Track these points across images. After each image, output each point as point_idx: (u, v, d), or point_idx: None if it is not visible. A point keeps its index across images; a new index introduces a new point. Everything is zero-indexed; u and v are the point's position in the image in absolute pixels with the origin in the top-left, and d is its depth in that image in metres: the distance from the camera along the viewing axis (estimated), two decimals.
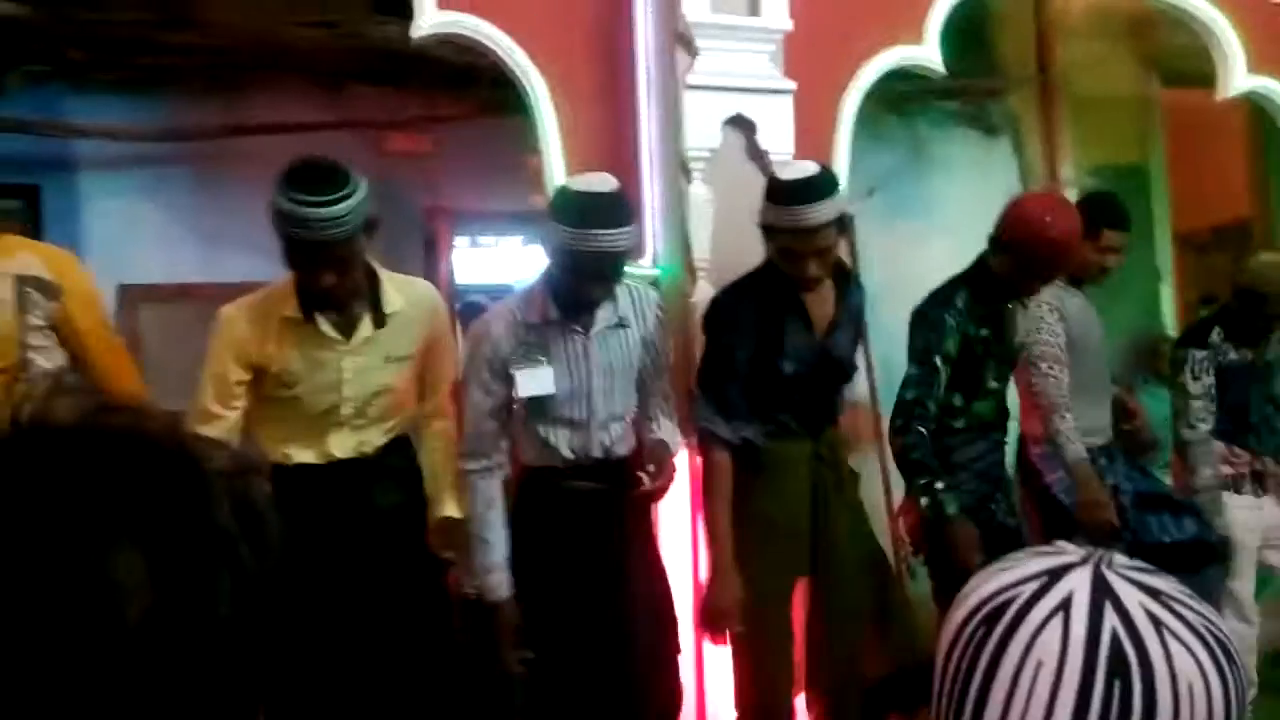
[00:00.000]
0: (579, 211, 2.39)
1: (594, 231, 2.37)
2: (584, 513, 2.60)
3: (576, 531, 2.59)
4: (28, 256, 2.37)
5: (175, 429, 0.56)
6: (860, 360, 3.13)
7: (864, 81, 3.44)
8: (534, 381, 2.50)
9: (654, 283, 3.30)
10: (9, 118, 4.17)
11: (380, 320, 2.50)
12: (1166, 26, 4.39)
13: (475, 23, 3.19)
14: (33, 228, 4.40)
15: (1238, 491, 3.51)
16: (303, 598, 2.58)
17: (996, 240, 2.97)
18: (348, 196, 2.26)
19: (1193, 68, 4.33)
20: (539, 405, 2.57)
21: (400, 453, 2.66)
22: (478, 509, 2.53)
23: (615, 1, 3.34)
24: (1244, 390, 3.55)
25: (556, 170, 3.26)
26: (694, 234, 3.17)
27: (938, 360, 2.89)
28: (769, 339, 2.65)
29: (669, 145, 3.25)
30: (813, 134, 3.33)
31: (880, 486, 3.53)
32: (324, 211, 2.22)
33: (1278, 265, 3.66)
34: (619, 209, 2.43)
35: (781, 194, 2.56)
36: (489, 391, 2.54)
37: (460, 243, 5.13)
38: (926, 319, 2.96)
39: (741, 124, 3.22)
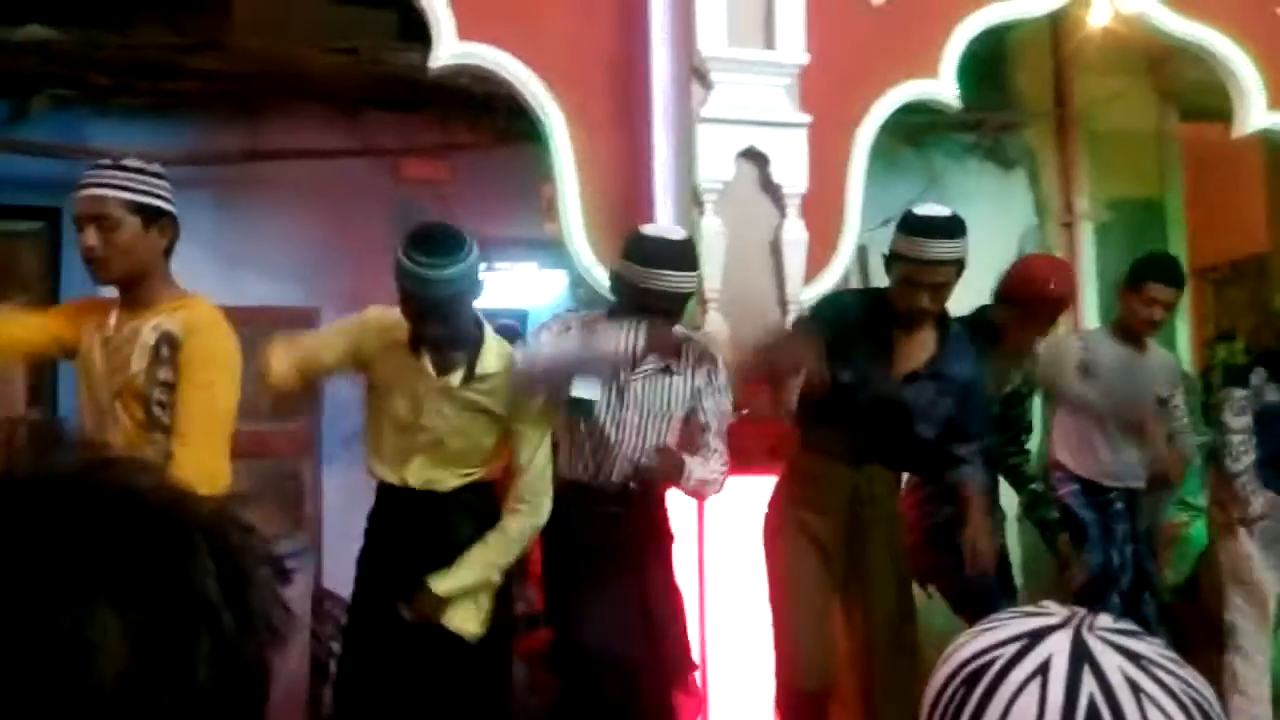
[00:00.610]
0: (650, 252, 2.60)
1: (664, 272, 2.57)
2: (599, 531, 2.71)
3: (597, 551, 2.70)
4: (180, 314, 2.43)
5: (166, 487, 0.56)
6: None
7: (879, 115, 3.46)
8: (583, 383, 2.61)
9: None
10: (33, 141, 4.22)
11: (470, 376, 2.63)
12: (1185, 61, 4.39)
13: (494, 54, 3.23)
14: (52, 250, 4.46)
15: (1259, 532, 3.51)
16: (371, 612, 2.59)
17: (1001, 294, 3.21)
18: (462, 261, 2.45)
19: (1211, 103, 4.33)
20: (577, 412, 2.66)
21: (478, 493, 2.73)
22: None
23: (631, 34, 3.37)
24: (1277, 436, 3.55)
25: (570, 199, 3.28)
26: (705, 265, 3.17)
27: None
28: (843, 344, 2.71)
29: (682, 177, 3.27)
30: (826, 167, 3.34)
31: None
32: (439, 274, 2.42)
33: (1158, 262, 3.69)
34: (689, 255, 2.66)
35: (916, 226, 2.66)
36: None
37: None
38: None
39: (754, 157, 3.25)
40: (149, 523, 0.54)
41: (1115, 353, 3.45)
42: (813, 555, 2.74)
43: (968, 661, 0.73)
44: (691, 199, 3.21)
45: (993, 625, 0.74)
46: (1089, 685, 0.68)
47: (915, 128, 4.89)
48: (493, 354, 2.64)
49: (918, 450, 2.78)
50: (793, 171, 3.26)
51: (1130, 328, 3.47)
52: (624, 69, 3.37)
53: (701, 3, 3.21)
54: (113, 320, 2.39)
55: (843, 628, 2.82)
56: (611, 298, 2.81)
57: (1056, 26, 5.01)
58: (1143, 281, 3.40)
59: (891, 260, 2.71)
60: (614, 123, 3.35)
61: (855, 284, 4.80)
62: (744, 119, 3.22)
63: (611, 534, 2.71)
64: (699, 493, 2.80)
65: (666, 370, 2.74)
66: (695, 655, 2.85)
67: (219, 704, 0.53)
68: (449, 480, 2.68)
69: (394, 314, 2.63)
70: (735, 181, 3.22)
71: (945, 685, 0.73)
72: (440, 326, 2.52)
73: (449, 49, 3.20)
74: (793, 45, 3.28)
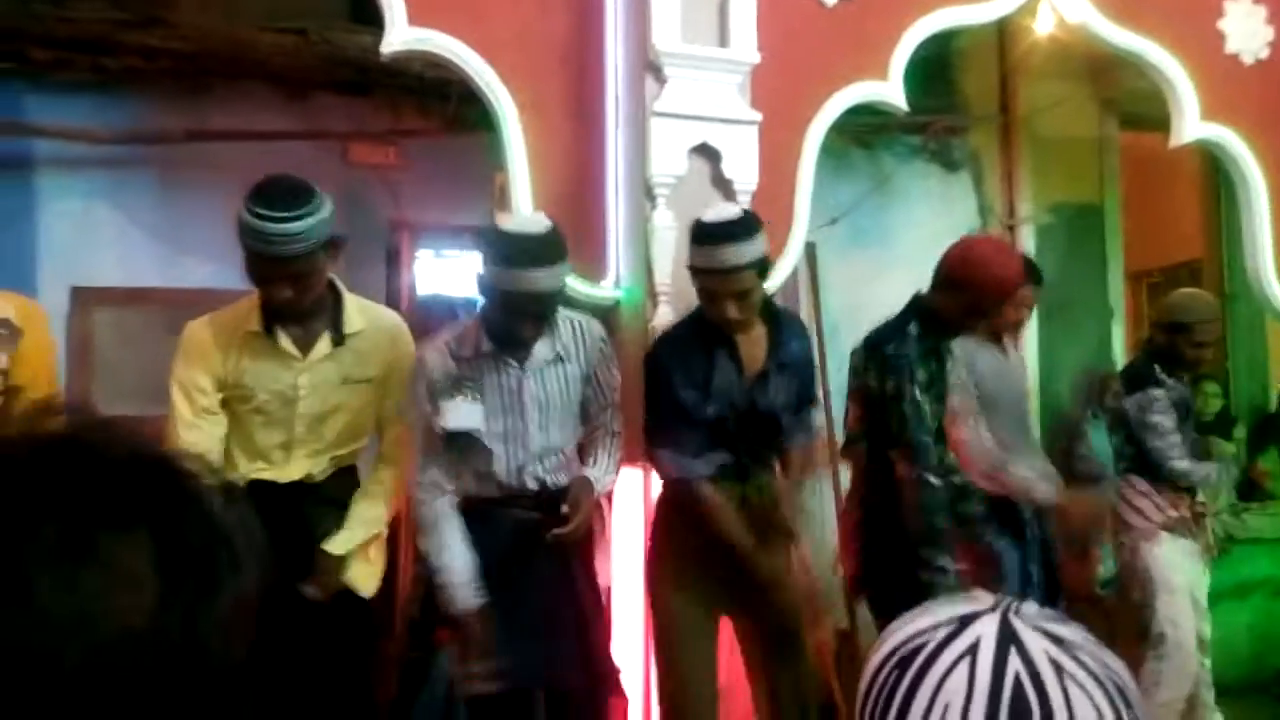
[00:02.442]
0: (508, 251, 2.42)
1: (522, 272, 2.40)
2: (519, 541, 2.59)
3: (511, 559, 2.58)
4: (3, 304, 2.39)
5: (151, 440, 0.59)
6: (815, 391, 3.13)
7: (829, 115, 3.49)
8: (460, 414, 2.50)
9: (615, 304, 3.33)
10: None
11: (339, 339, 2.52)
12: (1126, 71, 4.49)
13: (447, 41, 3.20)
14: None
15: (1184, 536, 3.58)
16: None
17: (943, 279, 3.02)
18: (309, 214, 2.32)
19: (1150, 112, 4.44)
20: (468, 438, 2.55)
21: (345, 482, 2.66)
22: (436, 530, 2.51)
23: (587, 27, 3.37)
24: (1184, 430, 3.62)
25: (522, 188, 3.27)
26: (656, 259, 3.19)
27: (916, 393, 2.92)
28: (698, 381, 2.66)
29: (635, 170, 3.28)
30: (777, 164, 3.37)
31: (832, 516, 3.57)
32: (283, 228, 2.28)
33: (1195, 295, 3.77)
34: (550, 249, 2.45)
35: (702, 235, 2.60)
36: (425, 418, 2.53)
37: (424, 255, 5.12)
38: (892, 355, 2.95)
39: (707, 152, 3.26)
40: (159, 467, 0.57)
41: (990, 357, 3.32)
42: (694, 588, 2.67)
43: (900, 645, 0.77)
44: (643, 192, 3.22)
45: (924, 611, 0.78)
46: (1015, 665, 0.72)
47: (864, 128, 4.96)
48: (354, 311, 2.53)
49: (778, 435, 2.77)
50: (744, 168, 3.28)
51: (994, 330, 3.35)
52: (578, 61, 3.37)
53: None
54: None
55: (737, 633, 2.81)
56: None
57: (1003, 33, 5.10)
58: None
59: (692, 274, 2.65)
60: (567, 114, 3.35)
61: (804, 280, 4.87)
62: (697, 114, 3.23)
63: (526, 544, 2.58)
64: (606, 493, 2.79)
65: (559, 359, 2.64)
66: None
67: (233, 623, 0.56)
68: (324, 466, 2.58)
69: (216, 315, 2.49)
70: (687, 176, 3.23)
71: (879, 668, 0.77)
72: (291, 289, 2.35)
73: (401, 34, 3.16)
74: (745, 44, 3.30)
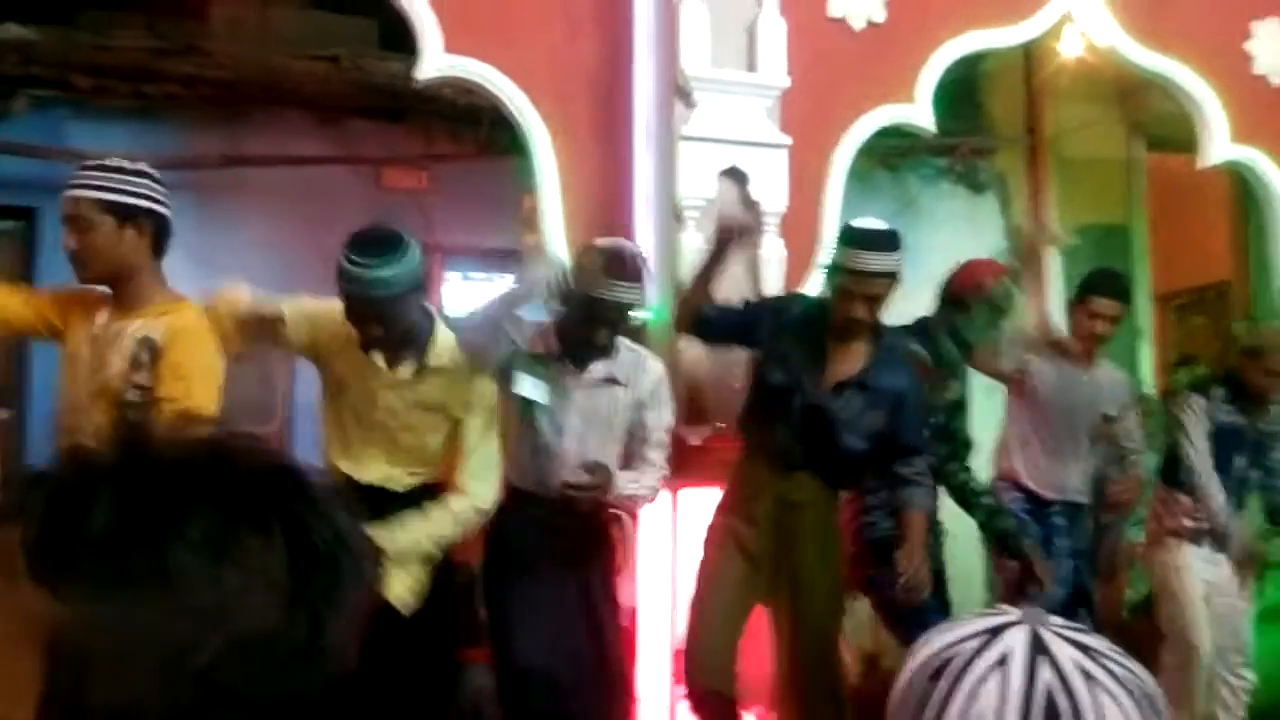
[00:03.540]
0: (601, 264, 2.67)
1: (611, 281, 2.65)
2: (536, 539, 2.73)
3: (537, 557, 2.72)
4: (165, 319, 2.41)
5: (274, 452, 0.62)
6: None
7: (856, 138, 3.52)
8: (530, 384, 2.70)
9: (643, 325, 3.36)
10: (11, 141, 4.20)
11: (421, 369, 2.63)
12: (1153, 93, 4.50)
13: (479, 67, 3.26)
14: (27, 249, 4.43)
15: (1198, 544, 3.55)
16: None
17: (947, 298, 3.21)
18: (395, 261, 2.46)
19: (1178, 134, 4.44)
20: (526, 415, 2.72)
21: (431, 497, 2.72)
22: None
23: (616, 52, 3.42)
24: (1228, 454, 3.59)
25: (552, 212, 3.32)
26: (685, 280, 3.22)
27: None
28: (777, 345, 2.78)
29: (664, 193, 3.32)
30: (806, 187, 3.40)
31: None
32: (373, 274, 2.44)
33: (1276, 327, 3.76)
34: (635, 269, 2.72)
35: (853, 237, 2.73)
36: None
37: (451, 277, 5.18)
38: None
39: (736, 175, 3.30)
40: (290, 475, 0.59)
41: (1053, 365, 3.47)
42: (737, 563, 2.77)
43: (933, 657, 0.78)
44: (673, 215, 3.25)
45: (954, 625, 0.80)
46: (1045, 675, 0.73)
47: (891, 151, 4.98)
48: (445, 347, 2.64)
49: (846, 461, 2.80)
50: (772, 191, 3.31)
51: (1074, 341, 3.49)
52: (608, 85, 3.41)
53: (685, 23, 3.26)
54: (101, 318, 2.37)
55: (773, 635, 2.84)
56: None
57: (1030, 56, 5.12)
58: (1087, 295, 3.44)
59: (830, 272, 2.80)
60: (597, 138, 3.40)
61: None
62: (725, 138, 3.27)
63: (552, 542, 2.73)
64: (627, 506, 2.85)
65: (611, 380, 2.79)
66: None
67: (350, 629, 0.58)
68: (402, 479, 2.67)
69: (332, 306, 2.62)
70: (716, 199, 3.26)
71: (912, 680, 0.78)
72: (381, 328, 2.52)
73: (435, 61, 3.22)
74: (774, 68, 3.34)
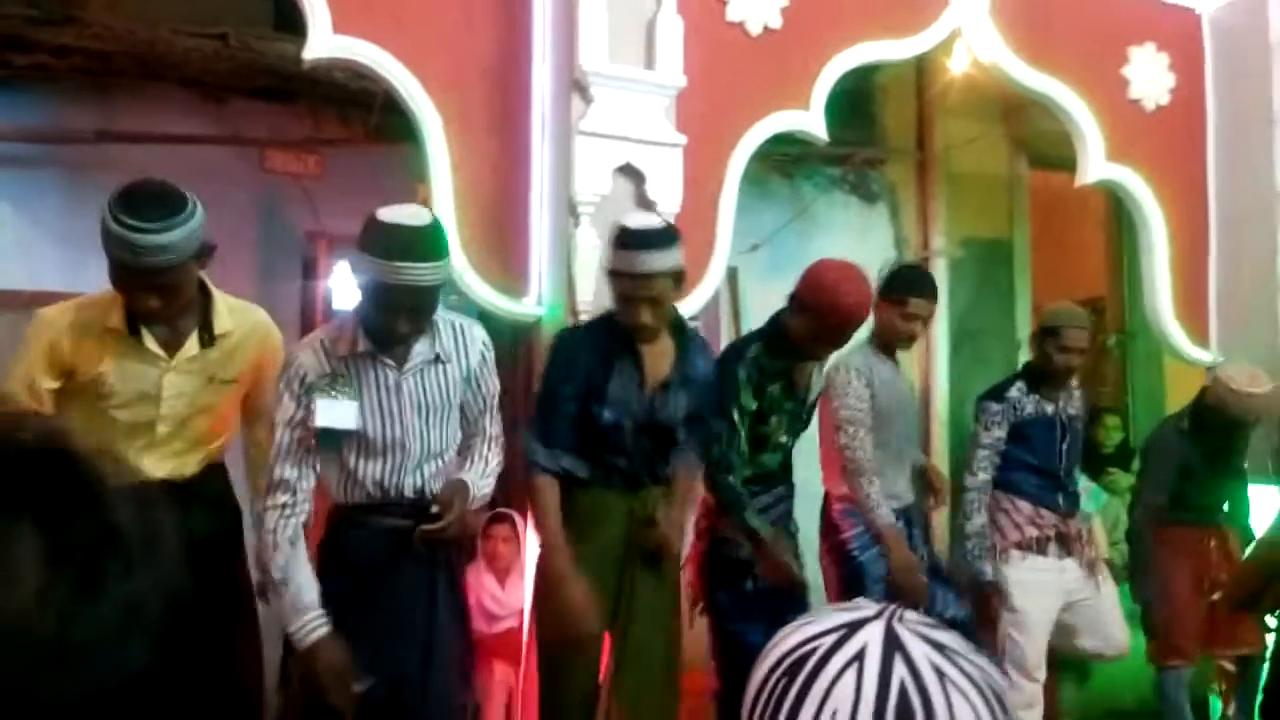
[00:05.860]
0: (389, 243, 2.28)
1: (403, 264, 2.27)
2: (390, 549, 2.46)
3: (382, 570, 2.45)
4: None
5: (71, 437, 0.58)
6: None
7: (752, 142, 3.55)
8: (333, 413, 2.37)
9: (536, 322, 3.32)
10: None
11: (207, 340, 2.42)
12: (1036, 112, 4.66)
13: (371, 50, 3.17)
14: None
15: (1042, 553, 3.55)
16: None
17: (794, 301, 3.05)
18: (179, 225, 2.19)
19: (1059, 152, 4.62)
20: (340, 440, 2.43)
21: (216, 479, 2.56)
22: (280, 551, 2.32)
23: (513, 42, 3.37)
24: (1046, 444, 3.61)
25: (443, 201, 3.25)
26: (578, 276, 3.19)
27: (735, 414, 2.97)
28: (595, 383, 2.65)
29: (559, 187, 3.28)
30: (700, 187, 3.41)
31: None
32: (152, 239, 2.16)
33: (1067, 305, 3.79)
34: (432, 242, 2.33)
35: (624, 239, 2.60)
36: (291, 423, 2.38)
37: (341, 266, 5.04)
38: (722, 373, 2.98)
39: (631, 173, 3.28)
40: (58, 461, 0.55)
41: (887, 371, 3.36)
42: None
43: (790, 652, 0.78)
44: (567, 210, 3.22)
45: (810, 620, 0.80)
46: (900, 672, 0.74)
47: (786, 158, 5.06)
48: (224, 312, 2.44)
49: None
50: (668, 190, 3.31)
51: (888, 342, 3.37)
52: (504, 76, 3.36)
53: (584, 18, 3.23)
54: None
55: (610, 652, 2.73)
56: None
57: (921, 70, 5.26)
58: (905, 295, 3.31)
59: (610, 277, 2.65)
60: (492, 129, 3.34)
61: (725, 304, 4.92)
62: (622, 135, 3.25)
63: (397, 553, 2.45)
64: (484, 501, 2.68)
65: (437, 360, 2.49)
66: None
67: (121, 629, 0.54)
68: (190, 466, 2.48)
69: (74, 303, 2.36)
70: (611, 196, 3.24)
71: (768, 677, 0.78)
72: (159, 298, 2.25)
73: (324, 42, 3.13)
74: (671, 67, 3.34)
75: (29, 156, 4.23)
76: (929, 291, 3.39)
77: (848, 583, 3.24)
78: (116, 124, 4.26)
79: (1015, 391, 3.63)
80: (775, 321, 3.12)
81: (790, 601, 3.01)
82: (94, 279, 4.15)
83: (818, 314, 2.95)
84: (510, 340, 4.10)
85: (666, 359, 2.72)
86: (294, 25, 3.31)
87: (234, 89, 4.45)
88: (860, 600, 0.82)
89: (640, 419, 2.67)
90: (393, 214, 2.35)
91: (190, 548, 2.05)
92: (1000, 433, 3.57)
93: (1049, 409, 3.63)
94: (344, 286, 5.04)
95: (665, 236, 2.61)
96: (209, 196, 4.41)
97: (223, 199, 4.36)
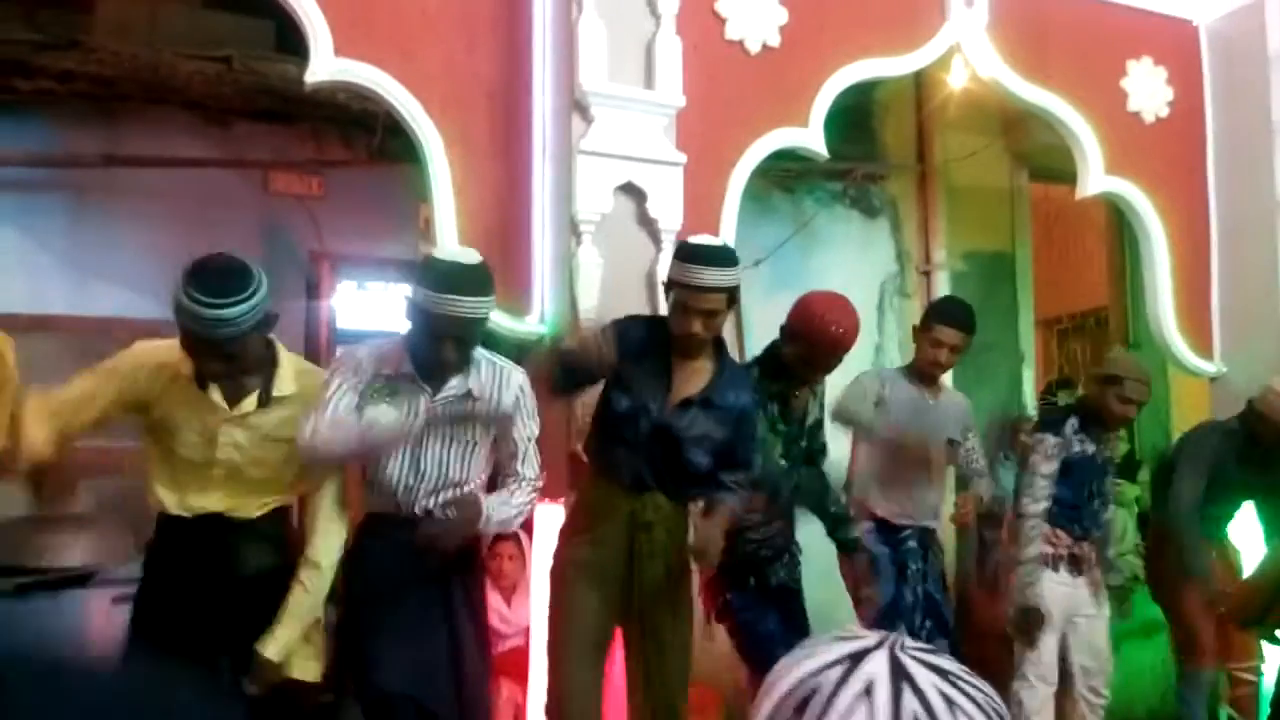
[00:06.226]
0: (439, 278, 2.53)
1: (451, 297, 2.50)
2: (402, 563, 2.61)
3: (398, 580, 2.61)
4: None
5: None
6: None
7: (752, 159, 3.57)
8: (379, 416, 2.53)
9: (538, 340, 3.33)
10: None
11: (265, 399, 2.53)
12: (1036, 125, 4.67)
13: (372, 73, 3.20)
14: None
15: (1055, 569, 3.63)
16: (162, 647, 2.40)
17: (785, 330, 3.18)
18: (244, 300, 2.34)
19: (1059, 165, 4.63)
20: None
21: (276, 524, 2.63)
22: (361, 424, 2.50)
23: (514, 64, 3.40)
24: (1081, 482, 3.68)
25: (446, 221, 3.27)
26: (581, 294, 3.21)
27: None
28: (625, 369, 2.72)
29: (561, 207, 3.30)
30: (701, 205, 3.43)
31: None
32: (219, 314, 2.31)
33: (1133, 356, 3.89)
34: (479, 280, 2.56)
35: (689, 253, 2.71)
36: (341, 390, 2.53)
37: (345, 287, 5.06)
38: None
39: (632, 191, 3.30)
40: None
41: (907, 392, 3.51)
42: (590, 598, 2.70)
43: (795, 688, 0.77)
44: (569, 229, 3.24)
45: (811, 652, 0.79)
46: (911, 703, 0.74)
47: (787, 173, 5.07)
48: (289, 375, 2.56)
49: (693, 478, 2.79)
50: (669, 208, 3.33)
51: (920, 369, 3.52)
52: (505, 97, 3.39)
53: (584, 39, 3.26)
54: None
55: (625, 653, 2.81)
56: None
57: (920, 86, 5.28)
58: (931, 323, 3.48)
59: (668, 287, 2.76)
60: (493, 149, 3.36)
61: (729, 319, 4.92)
62: (622, 154, 3.27)
63: (416, 567, 2.59)
64: (500, 531, 2.80)
65: (468, 395, 2.66)
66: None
67: None
68: (249, 508, 2.57)
69: (166, 347, 2.47)
70: (613, 214, 3.26)
71: (776, 711, 0.77)
72: (224, 364, 2.42)
73: (326, 65, 3.15)
74: (671, 87, 3.36)
75: (34, 180, 4.26)
76: (956, 321, 3.49)
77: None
78: (121, 148, 4.29)
79: (1069, 429, 3.68)
80: (771, 348, 3.24)
81: (794, 600, 3.24)
82: (97, 302, 4.20)
83: (807, 341, 3.09)
84: (514, 359, 4.11)
85: (698, 379, 2.78)
86: (297, 48, 3.34)
87: (237, 112, 4.48)
88: (853, 627, 0.81)
89: (654, 420, 2.72)
90: (446, 252, 2.71)
91: (243, 583, 2.12)
92: (1056, 464, 3.62)
93: (1091, 449, 3.68)
94: (348, 306, 5.07)
95: (728, 254, 2.73)
96: (213, 218, 4.47)
97: (227, 221, 4.41)
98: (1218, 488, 3.88)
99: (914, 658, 0.77)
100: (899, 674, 0.75)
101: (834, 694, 0.75)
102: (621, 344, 2.72)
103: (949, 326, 3.46)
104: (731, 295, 2.72)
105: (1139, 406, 3.68)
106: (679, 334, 2.71)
